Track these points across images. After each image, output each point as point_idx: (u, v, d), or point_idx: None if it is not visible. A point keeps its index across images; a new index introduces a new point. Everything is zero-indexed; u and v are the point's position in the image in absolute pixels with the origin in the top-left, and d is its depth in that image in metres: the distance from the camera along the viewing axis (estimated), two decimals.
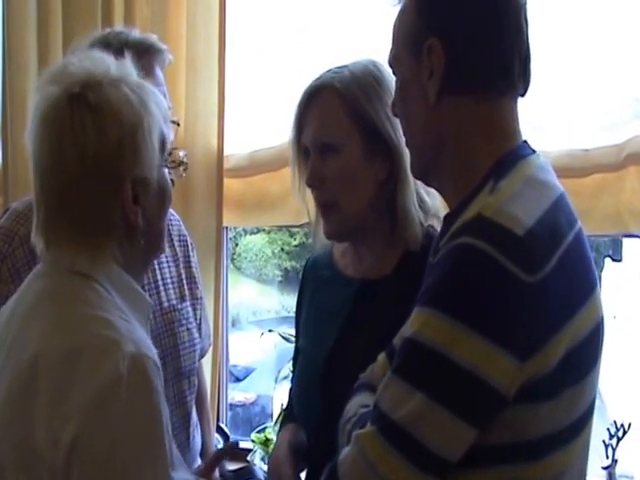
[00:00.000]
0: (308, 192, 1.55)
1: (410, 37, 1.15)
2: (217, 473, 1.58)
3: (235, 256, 4.59)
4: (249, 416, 3.72)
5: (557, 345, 1.02)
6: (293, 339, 1.73)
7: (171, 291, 1.78)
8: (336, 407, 1.28)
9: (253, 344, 3.88)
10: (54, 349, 1.07)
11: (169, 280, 1.79)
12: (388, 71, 1.25)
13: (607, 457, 2.17)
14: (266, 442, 2.42)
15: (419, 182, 1.41)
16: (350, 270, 1.57)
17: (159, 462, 1.06)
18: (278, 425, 2.03)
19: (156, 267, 1.75)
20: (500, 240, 1.00)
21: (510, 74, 1.13)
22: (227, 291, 2.69)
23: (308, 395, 1.55)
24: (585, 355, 1.08)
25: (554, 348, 1.02)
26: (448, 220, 1.14)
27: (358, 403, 1.23)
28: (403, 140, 1.28)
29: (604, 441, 2.17)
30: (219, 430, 2.39)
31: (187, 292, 1.83)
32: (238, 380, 4.10)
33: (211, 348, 2.20)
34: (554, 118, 2.32)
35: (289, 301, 4.59)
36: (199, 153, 2.51)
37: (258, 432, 2.49)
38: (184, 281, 1.83)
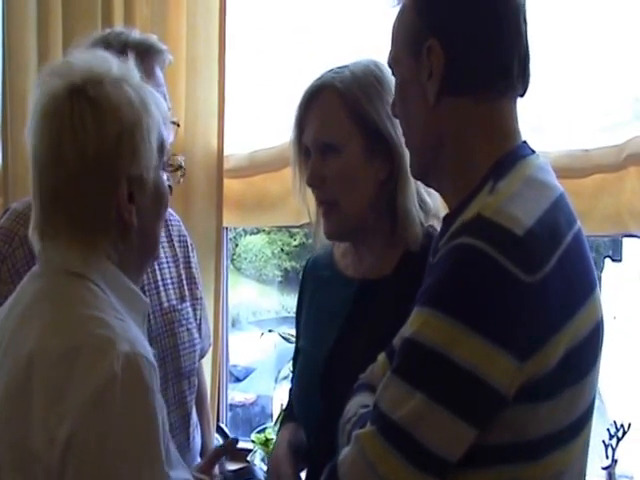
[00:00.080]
0: (309, 192, 1.55)
1: (409, 38, 1.15)
2: (217, 470, 1.58)
3: (235, 256, 4.60)
4: (249, 416, 3.72)
5: (557, 345, 1.02)
6: (293, 339, 1.73)
7: (171, 291, 1.78)
8: (336, 407, 1.28)
9: (253, 344, 3.88)
10: (50, 349, 1.08)
11: (169, 280, 1.79)
12: (389, 71, 1.25)
13: (607, 457, 2.17)
14: (266, 442, 2.42)
15: (420, 182, 1.41)
16: (350, 270, 1.57)
17: (154, 461, 1.06)
18: (278, 425, 2.03)
19: (156, 267, 1.75)
20: (500, 240, 1.00)
21: (509, 74, 1.13)
22: (227, 291, 2.69)
23: (308, 395, 1.55)
24: (585, 355, 1.08)
25: (554, 348, 1.02)
26: (447, 220, 1.14)
27: (358, 403, 1.23)
28: (404, 140, 1.28)
29: (604, 441, 2.17)
30: (219, 430, 2.39)
31: (187, 292, 1.83)
32: (238, 380, 4.11)
33: (211, 348, 2.20)
34: (554, 118, 2.32)
35: (289, 301, 4.60)
36: (199, 153, 2.51)
37: (258, 432, 2.49)
38: (184, 281, 1.83)
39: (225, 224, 2.57)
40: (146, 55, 1.63)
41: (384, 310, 1.45)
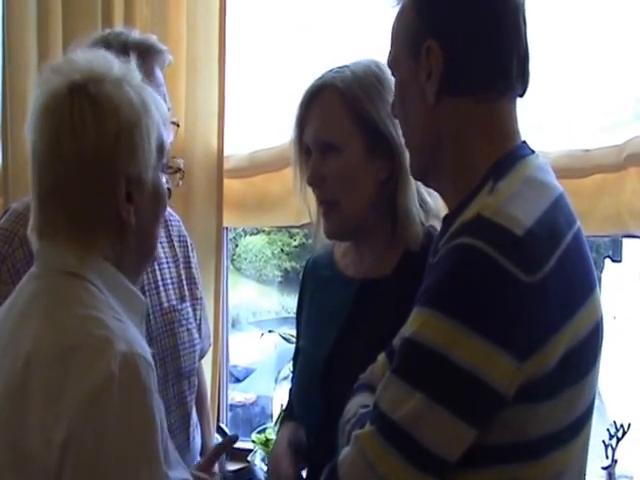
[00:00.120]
0: (310, 192, 1.55)
1: (409, 38, 1.15)
2: (217, 468, 1.58)
3: (235, 257, 4.60)
4: (249, 416, 3.72)
5: (556, 345, 1.02)
6: (293, 340, 1.73)
7: (171, 291, 1.78)
8: (336, 407, 1.28)
9: (253, 345, 3.88)
10: (48, 349, 1.07)
11: (169, 281, 1.79)
12: (390, 71, 1.25)
13: (607, 457, 2.17)
14: (266, 442, 2.42)
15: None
16: (351, 270, 1.57)
17: (152, 460, 1.06)
18: (278, 425, 2.03)
19: (156, 268, 1.75)
20: (499, 240, 1.00)
21: (509, 74, 1.12)
22: (227, 292, 2.69)
23: (308, 395, 1.55)
24: (584, 355, 1.08)
25: (553, 348, 1.02)
26: (447, 220, 1.14)
27: (358, 403, 1.23)
28: (404, 140, 1.28)
29: (604, 441, 2.17)
30: (219, 430, 2.39)
31: (187, 292, 1.83)
32: (238, 381, 4.11)
33: (211, 349, 2.20)
34: (554, 118, 2.32)
35: (289, 302, 4.60)
36: (199, 153, 2.51)
37: (258, 433, 2.50)
38: (184, 282, 1.83)
39: (225, 224, 2.57)
40: (146, 55, 1.63)
41: (384, 310, 1.45)
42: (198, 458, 1.85)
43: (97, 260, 1.16)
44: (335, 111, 1.47)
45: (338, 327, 1.52)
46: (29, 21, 2.63)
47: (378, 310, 1.48)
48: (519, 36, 1.13)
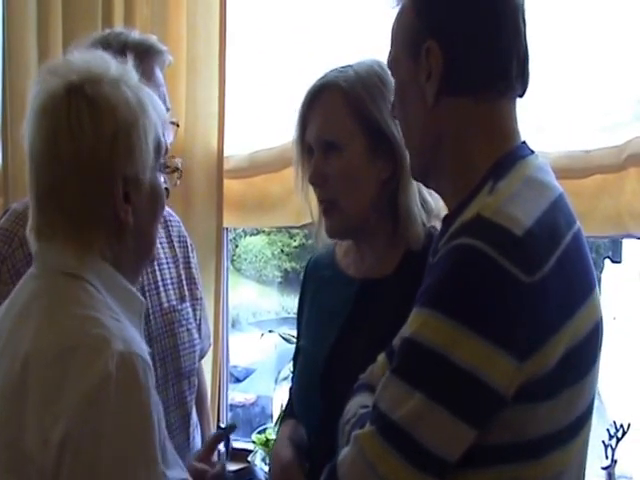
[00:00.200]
0: (311, 192, 1.55)
1: (408, 39, 1.15)
2: (215, 456, 1.58)
3: (235, 257, 4.60)
4: (249, 417, 3.72)
5: (556, 345, 1.02)
6: (293, 340, 1.73)
7: (171, 292, 1.78)
8: (336, 407, 1.28)
9: (253, 345, 3.88)
10: (46, 349, 1.08)
11: (169, 281, 1.79)
12: None
13: (606, 457, 2.17)
14: (266, 443, 2.42)
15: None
16: (352, 270, 1.57)
17: (149, 460, 1.06)
18: (278, 425, 2.03)
19: (156, 268, 1.75)
20: (499, 240, 1.00)
21: (508, 75, 1.12)
22: (227, 292, 2.69)
23: (308, 395, 1.55)
24: (584, 355, 1.08)
25: (553, 348, 1.02)
26: (447, 221, 1.15)
27: (358, 404, 1.23)
28: (404, 141, 1.28)
29: (603, 441, 2.17)
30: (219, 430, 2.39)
31: (187, 293, 1.83)
32: (238, 381, 4.11)
33: (211, 349, 2.20)
34: (554, 119, 2.32)
35: (289, 302, 4.60)
36: (199, 154, 2.51)
37: (259, 433, 2.50)
38: (184, 282, 1.83)
39: (225, 225, 2.58)
40: (146, 56, 1.63)
41: (385, 310, 1.45)
42: None
43: (95, 260, 1.16)
44: (338, 110, 1.47)
45: (338, 327, 1.52)
46: (29, 21, 2.63)
47: (379, 310, 1.48)
48: (519, 36, 1.13)
